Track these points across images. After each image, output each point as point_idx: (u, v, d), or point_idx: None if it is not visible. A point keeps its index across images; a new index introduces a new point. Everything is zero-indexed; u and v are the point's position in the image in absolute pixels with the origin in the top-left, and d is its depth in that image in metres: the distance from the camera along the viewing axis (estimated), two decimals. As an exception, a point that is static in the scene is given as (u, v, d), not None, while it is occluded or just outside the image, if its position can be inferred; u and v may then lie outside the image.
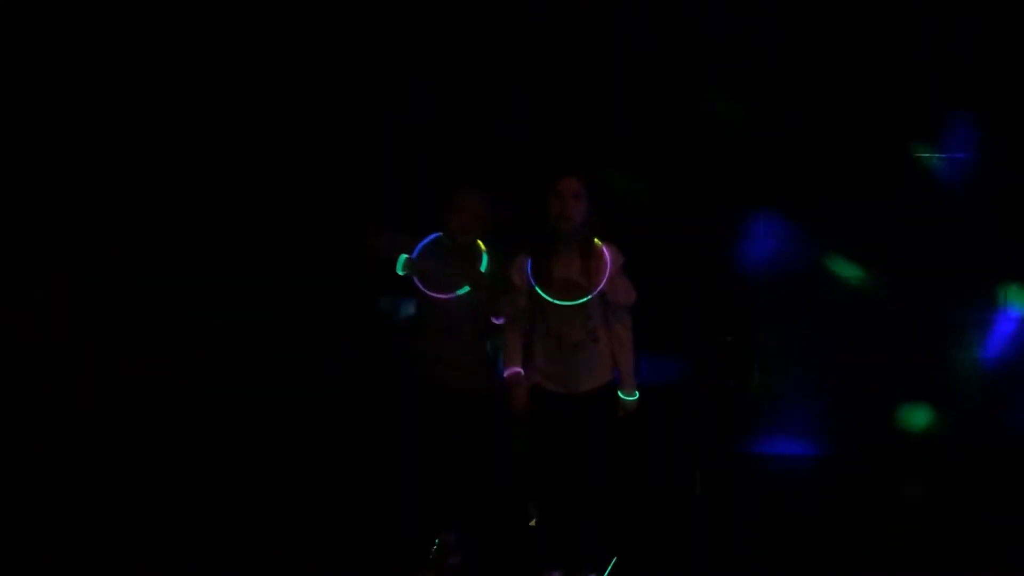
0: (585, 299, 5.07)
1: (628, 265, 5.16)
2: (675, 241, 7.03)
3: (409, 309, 5.75)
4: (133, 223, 7.60)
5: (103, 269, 7.58)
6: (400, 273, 5.38)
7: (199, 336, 7.56)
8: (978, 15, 7.22)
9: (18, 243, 7.57)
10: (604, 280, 5.08)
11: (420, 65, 7.43)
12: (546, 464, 5.14)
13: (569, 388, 5.10)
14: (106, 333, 7.59)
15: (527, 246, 5.17)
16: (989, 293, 7.41)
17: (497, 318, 5.27)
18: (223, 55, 7.48)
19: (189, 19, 7.46)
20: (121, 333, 7.58)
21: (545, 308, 5.10)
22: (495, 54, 7.40)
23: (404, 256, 5.36)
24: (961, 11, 7.21)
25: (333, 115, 7.48)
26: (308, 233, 7.47)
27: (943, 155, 7.41)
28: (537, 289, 5.09)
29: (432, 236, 5.43)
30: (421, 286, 5.34)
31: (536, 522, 5.37)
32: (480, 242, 5.38)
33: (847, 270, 7.48)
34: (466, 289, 5.28)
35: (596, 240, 5.13)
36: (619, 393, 5.15)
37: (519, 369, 5.15)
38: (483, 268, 5.29)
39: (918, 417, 7.45)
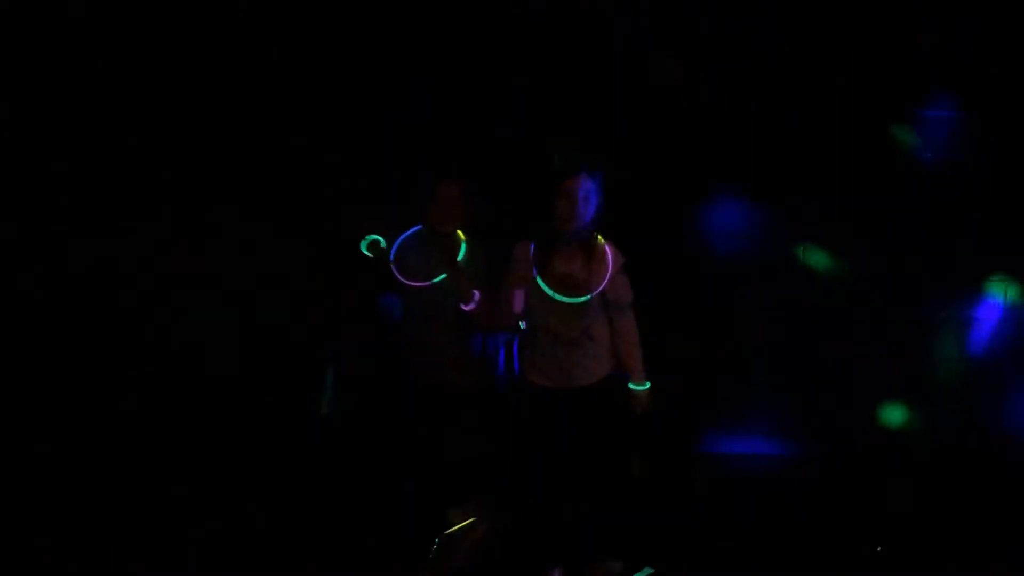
0: (585, 298, 5.07)
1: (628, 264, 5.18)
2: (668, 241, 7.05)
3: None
4: (132, 223, 7.59)
5: (101, 269, 7.57)
6: (366, 253, 5.39)
7: (198, 336, 7.55)
8: (978, 15, 7.22)
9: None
10: (606, 280, 5.08)
11: (420, 65, 7.42)
12: (533, 459, 5.13)
13: (561, 383, 5.10)
14: (105, 333, 7.58)
15: (530, 236, 5.16)
16: (971, 289, 7.42)
17: (467, 305, 5.23)
18: (223, 55, 7.47)
19: (189, 19, 7.45)
20: (120, 333, 7.58)
21: (543, 302, 5.09)
22: (495, 54, 7.39)
23: (370, 236, 5.38)
24: (961, 11, 7.21)
25: (333, 115, 7.48)
26: (308, 233, 7.46)
27: (935, 153, 7.41)
28: (538, 280, 5.08)
29: (414, 229, 5.46)
30: (399, 275, 5.36)
31: (536, 521, 5.36)
32: (460, 232, 5.39)
33: (820, 260, 7.47)
34: (443, 276, 5.28)
35: (600, 239, 5.13)
36: (630, 385, 5.14)
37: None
38: (461, 257, 5.28)
39: (895, 416, 7.44)
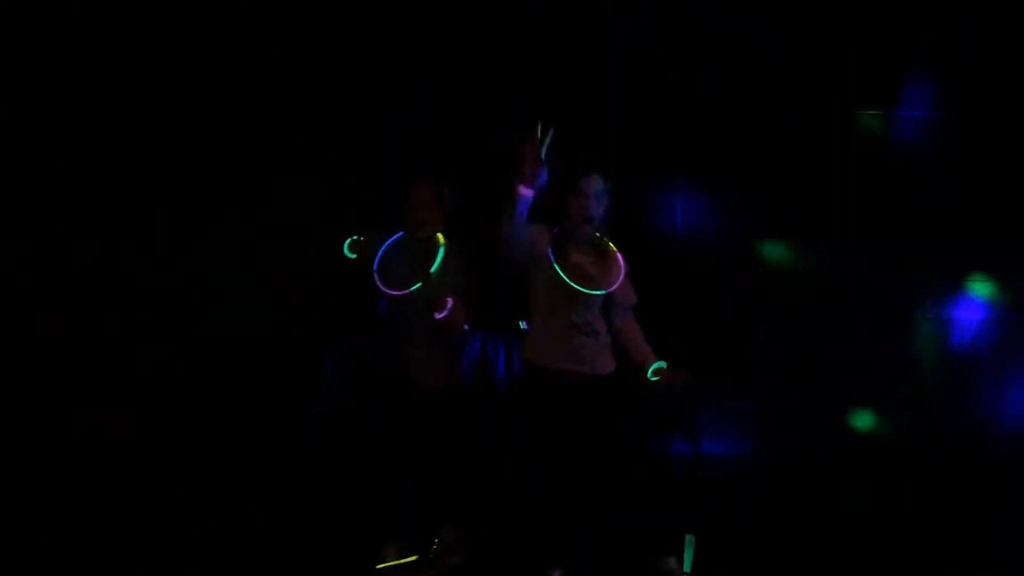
0: (599, 292, 5.07)
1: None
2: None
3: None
4: (132, 222, 7.59)
5: (99, 268, 7.57)
6: (348, 255, 5.33)
7: (198, 336, 7.55)
8: (978, 15, 7.22)
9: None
10: (619, 282, 5.07)
11: (420, 65, 7.42)
12: (534, 455, 5.09)
13: (566, 366, 5.06)
14: (106, 333, 7.58)
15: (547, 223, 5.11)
16: (946, 288, 7.44)
17: (439, 313, 5.13)
18: (223, 55, 7.47)
19: (189, 19, 7.45)
20: (121, 334, 7.57)
21: (556, 290, 5.05)
22: (495, 54, 7.39)
23: (352, 238, 5.32)
24: (961, 11, 7.21)
25: (333, 115, 7.48)
26: (308, 233, 7.46)
27: (935, 153, 7.42)
28: (555, 266, 5.05)
29: (397, 235, 5.39)
30: (380, 284, 5.30)
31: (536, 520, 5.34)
32: (440, 236, 5.30)
33: (778, 254, 7.49)
34: (419, 285, 5.19)
35: (611, 244, 5.13)
36: (651, 368, 5.11)
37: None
38: (436, 263, 5.19)
39: (863, 421, 7.47)
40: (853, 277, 7.45)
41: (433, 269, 5.15)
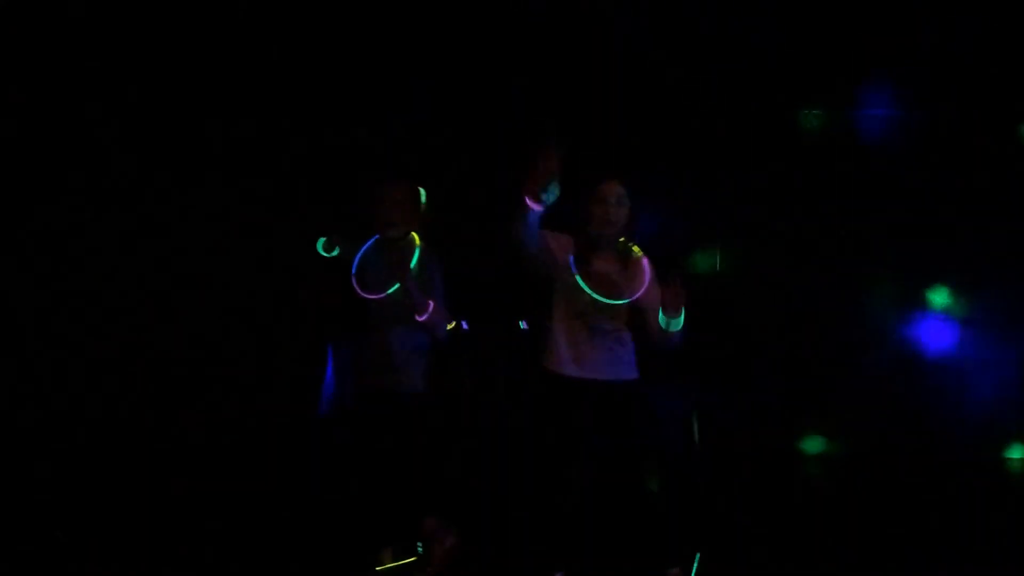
0: (623, 301, 4.99)
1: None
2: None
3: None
4: (132, 222, 7.60)
5: (97, 269, 7.58)
6: (323, 253, 5.27)
7: (198, 336, 7.56)
8: (978, 15, 7.22)
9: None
10: (643, 289, 5.00)
11: (420, 65, 7.42)
12: (553, 454, 5.04)
13: (587, 373, 4.99)
14: (106, 334, 7.59)
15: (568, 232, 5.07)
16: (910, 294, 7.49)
17: (420, 316, 5.08)
18: (223, 55, 7.47)
19: (189, 19, 7.46)
20: (121, 334, 7.59)
21: (578, 298, 4.99)
22: (495, 54, 7.39)
23: (325, 237, 5.25)
24: (961, 11, 7.21)
25: (333, 115, 7.48)
26: (308, 233, 7.46)
27: (935, 152, 7.45)
28: (577, 278, 4.99)
29: (374, 238, 5.32)
30: (357, 288, 5.23)
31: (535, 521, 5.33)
32: (415, 236, 5.23)
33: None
34: (396, 287, 5.12)
35: (636, 249, 5.06)
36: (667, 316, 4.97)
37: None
38: (413, 265, 5.13)
39: (813, 445, 7.52)
40: (853, 277, 7.48)
41: (412, 266, 5.07)
